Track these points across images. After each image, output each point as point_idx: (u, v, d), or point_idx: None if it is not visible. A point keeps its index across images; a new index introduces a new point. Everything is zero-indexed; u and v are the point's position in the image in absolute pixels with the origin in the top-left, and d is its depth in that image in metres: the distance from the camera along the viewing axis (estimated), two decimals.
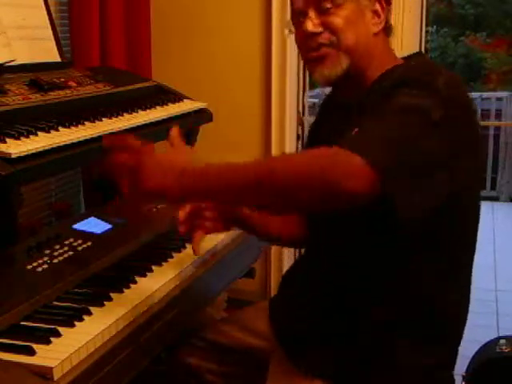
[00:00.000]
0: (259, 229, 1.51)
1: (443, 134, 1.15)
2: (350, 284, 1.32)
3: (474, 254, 1.36)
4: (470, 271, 1.37)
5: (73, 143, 1.45)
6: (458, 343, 1.39)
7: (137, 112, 1.77)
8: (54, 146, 1.40)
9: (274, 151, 2.75)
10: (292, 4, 1.38)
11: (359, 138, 1.15)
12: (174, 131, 1.26)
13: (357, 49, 1.32)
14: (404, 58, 1.39)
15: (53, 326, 1.17)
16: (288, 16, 2.60)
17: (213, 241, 1.62)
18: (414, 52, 1.45)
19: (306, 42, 1.35)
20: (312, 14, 1.32)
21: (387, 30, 1.37)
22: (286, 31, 2.58)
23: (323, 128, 1.49)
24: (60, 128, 1.49)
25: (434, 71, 1.26)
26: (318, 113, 1.61)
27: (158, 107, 1.87)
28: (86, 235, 1.57)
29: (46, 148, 1.38)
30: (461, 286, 1.36)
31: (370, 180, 1.06)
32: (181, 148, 1.24)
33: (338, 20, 1.31)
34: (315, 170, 1.09)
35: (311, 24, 1.32)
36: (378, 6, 1.33)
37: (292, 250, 2.78)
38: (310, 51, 1.34)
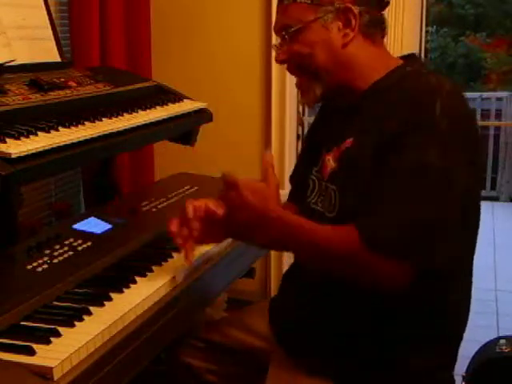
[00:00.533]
0: None
1: (456, 177, 1.19)
2: (347, 286, 1.31)
3: (473, 254, 1.36)
4: (471, 271, 1.37)
5: (73, 143, 1.45)
6: (459, 343, 1.39)
7: (137, 112, 1.77)
8: (54, 145, 1.40)
9: (274, 151, 2.76)
10: None
11: (385, 228, 1.17)
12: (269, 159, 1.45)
13: (326, 71, 1.32)
14: (401, 58, 1.38)
15: (53, 326, 1.17)
16: None
17: None
18: (408, 53, 1.42)
19: None
20: (280, 40, 1.34)
21: (368, 33, 1.32)
22: None
23: (321, 130, 1.50)
24: (60, 128, 1.49)
25: (431, 91, 1.22)
26: (317, 114, 1.61)
27: (158, 107, 1.87)
28: (86, 235, 1.57)
29: (46, 148, 1.38)
30: (461, 287, 1.36)
31: (409, 276, 1.18)
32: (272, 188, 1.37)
33: (295, 48, 1.32)
34: (348, 271, 1.22)
35: (276, 54, 1.37)
36: (348, 15, 1.29)
37: None
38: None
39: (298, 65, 1.35)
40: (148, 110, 1.82)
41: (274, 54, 1.40)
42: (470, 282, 1.37)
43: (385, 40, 1.39)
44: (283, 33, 1.33)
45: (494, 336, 2.40)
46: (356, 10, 1.29)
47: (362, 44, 1.32)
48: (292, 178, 1.64)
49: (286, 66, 1.40)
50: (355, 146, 1.30)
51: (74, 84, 1.78)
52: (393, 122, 1.21)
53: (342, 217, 1.28)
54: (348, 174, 1.30)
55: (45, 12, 1.92)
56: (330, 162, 1.37)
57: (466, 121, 1.25)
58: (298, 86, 1.39)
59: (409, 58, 1.38)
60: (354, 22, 1.29)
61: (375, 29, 1.33)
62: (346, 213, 1.27)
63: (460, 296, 1.36)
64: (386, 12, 1.39)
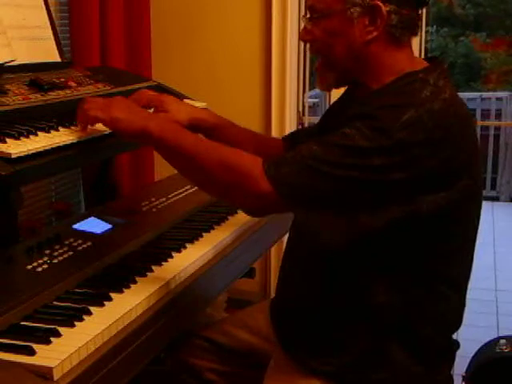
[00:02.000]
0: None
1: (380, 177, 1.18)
2: (349, 284, 1.32)
3: (471, 254, 1.36)
4: (469, 273, 1.37)
5: (73, 143, 1.45)
6: (455, 348, 1.39)
7: None
8: (54, 145, 1.39)
9: None
10: None
11: (281, 162, 1.23)
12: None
13: (342, 61, 1.31)
14: (426, 59, 1.36)
15: (53, 326, 1.16)
16: (289, 15, 2.61)
17: (213, 241, 1.62)
18: (434, 56, 1.40)
19: None
20: (306, 19, 1.33)
21: (394, 34, 1.28)
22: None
23: (336, 116, 1.47)
24: (60, 128, 1.49)
25: (409, 102, 1.20)
26: (340, 97, 1.60)
27: None
28: (86, 235, 1.57)
29: (46, 148, 1.38)
30: (460, 286, 1.36)
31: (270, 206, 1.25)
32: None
33: (318, 32, 1.31)
34: (226, 180, 1.26)
35: (303, 32, 1.35)
36: (375, 14, 1.25)
37: None
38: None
39: (317, 49, 1.35)
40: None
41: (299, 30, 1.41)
42: (467, 278, 1.37)
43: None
44: (310, 11, 1.32)
45: (494, 336, 2.40)
46: (385, 8, 1.25)
47: (384, 44, 1.29)
48: (286, 138, 1.67)
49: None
50: None
51: (74, 84, 1.78)
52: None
53: None
54: None
55: (45, 12, 1.92)
56: None
57: (425, 144, 1.18)
58: (316, 69, 1.38)
59: (431, 62, 1.34)
60: (379, 21, 1.26)
61: (403, 30, 1.29)
62: None
63: (457, 297, 1.36)
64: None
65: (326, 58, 1.33)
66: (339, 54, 1.30)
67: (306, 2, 1.36)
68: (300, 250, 1.44)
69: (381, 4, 1.25)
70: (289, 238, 1.51)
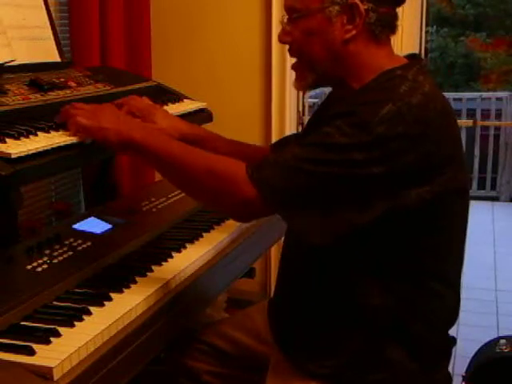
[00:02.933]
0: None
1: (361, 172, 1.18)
2: (341, 284, 1.31)
3: (461, 249, 1.36)
4: (460, 269, 1.38)
5: (73, 143, 1.45)
6: (451, 340, 1.39)
7: None
8: (54, 145, 1.39)
9: None
10: None
11: (264, 165, 1.24)
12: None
13: (321, 60, 1.30)
14: (406, 57, 1.36)
15: (53, 326, 1.17)
16: None
17: (213, 241, 1.62)
18: (411, 54, 1.40)
19: None
20: (286, 19, 1.33)
21: (373, 32, 1.28)
22: None
23: (319, 118, 1.48)
24: (60, 128, 1.49)
25: (387, 98, 1.20)
26: (320, 103, 1.60)
27: None
28: (85, 235, 1.57)
29: (46, 148, 1.37)
30: (451, 282, 1.36)
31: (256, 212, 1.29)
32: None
33: (296, 33, 1.31)
34: (212, 186, 1.28)
35: (281, 33, 1.35)
36: (354, 12, 1.25)
37: None
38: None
39: (296, 51, 1.34)
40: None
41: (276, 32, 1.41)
42: (459, 276, 1.38)
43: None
44: (289, 12, 1.32)
45: (494, 336, 2.40)
46: (363, 7, 1.25)
47: (363, 43, 1.29)
48: (274, 145, 1.68)
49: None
50: None
51: (74, 84, 1.78)
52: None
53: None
54: None
55: (45, 12, 1.92)
56: None
57: (404, 138, 1.19)
58: (294, 68, 1.38)
59: (410, 60, 1.34)
60: (358, 19, 1.26)
61: (383, 28, 1.29)
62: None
63: (453, 296, 1.36)
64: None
65: (306, 58, 1.33)
66: (319, 54, 1.30)
67: (284, 4, 1.34)
68: (293, 252, 1.44)
69: (358, 2, 1.25)
70: (284, 240, 1.51)
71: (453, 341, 1.41)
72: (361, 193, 1.20)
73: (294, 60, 1.38)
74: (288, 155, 1.23)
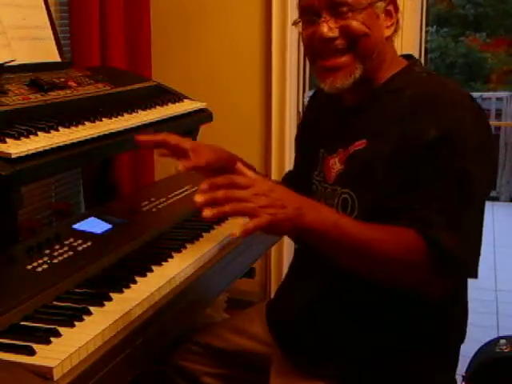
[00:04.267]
0: None
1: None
2: (351, 286, 1.31)
3: None
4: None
5: (73, 143, 1.45)
6: (460, 344, 1.39)
7: (137, 112, 1.77)
8: (54, 146, 1.40)
9: (274, 151, 2.76)
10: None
11: (451, 243, 1.15)
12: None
13: (371, 55, 1.29)
14: (403, 56, 1.38)
15: (53, 326, 1.16)
16: (289, 15, 2.60)
17: (213, 241, 1.62)
18: (406, 54, 1.41)
19: (318, 45, 1.29)
20: (327, 16, 1.27)
21: (396, 30, 1.33)
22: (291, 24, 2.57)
23: (317, 132, 1.47)
24: (60, 128, 1.49)
25: (457, 101, 1.22)
26: (307, 110, 1.59)
27: (158, 107, 1.87)
28: (86, 235, 1.57)
29: (46, 148, 1.38)
30: (459, 287, 1.36)
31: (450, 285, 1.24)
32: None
33: (354, 25, 1.26)
34: (407, 273, 1.18)
35: (327, 28, 1.27)
36: (390, 7, 1.30)
37: (293, 250, 2.78)
38: (325, 57, 1.30)
39: (344, 45, 1.28)
40: (148, 110, 1.82)
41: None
42: (466, 284, 1.37)
43: None
44: (341, 7, 1.26)
45: (494, 336, 2.40)
46: (395, 4, 1.31)
47: (390, 39, 1.33)
48: (285, 181, 1.63)
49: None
50: (369, 148, 1.28)
51: (74, 84, 1.78)
52: (422, 127, 1.20)
53: (360, 217, 1.27)
54: (362, 176, 1.28)
55: (45, 12, 1.92)
56: (336, 164, 1.35)
57: (487, 131, 1.26)
58: (340, 64, 1.29)
59: (410, 58, 1.38)
60: (393, 13, 1.31)
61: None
62: (367, 214, 1.25)
63: (458, 296, 1.36)
64: None
65: (358, 50, 1.28)
66: (374, 46, 1.29)
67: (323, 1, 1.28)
68: (314, 265, 1.38)
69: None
70: (300, 250, 1.50)
71: (460, 338, 1.41)
72: None
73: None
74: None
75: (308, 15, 1.31)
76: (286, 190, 1.17)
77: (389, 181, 1.22)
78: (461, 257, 1.17)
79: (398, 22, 1.32)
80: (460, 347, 1.39)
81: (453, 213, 1.17)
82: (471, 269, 1.21)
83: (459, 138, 1.19)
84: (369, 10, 1.27)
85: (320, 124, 1.48)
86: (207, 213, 1.07)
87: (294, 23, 1.37)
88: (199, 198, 1.08)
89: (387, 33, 1.31)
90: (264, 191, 1.10)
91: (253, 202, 1.08)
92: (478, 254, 1.21)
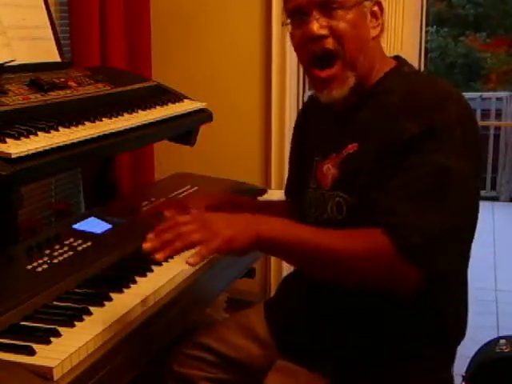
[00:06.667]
0: None
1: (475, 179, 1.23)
2: (339, 289, 1.31)
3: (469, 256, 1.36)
4: (466, 273, 1.37)
5: (73, 143, 1.45)
6: (458, 343, 1.39)
7: (137, 112, 1.77)
8: (54, 146, 1.40)
9: (274, 152, 2.76)
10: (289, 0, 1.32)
11: (414, 234, 1.15)
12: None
13: (358, 56, 1.28)
14: (392, 57, 1.38)
15: (53, 326, 1.16)
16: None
17: None
18: (395, 55, 1.41)
19: (308, 44, 1.29)
20: (317, 14, 1.27)
21: (383, 30, 1.33)
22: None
23: (310, 137, 1.48)
24: (60, 128, 1.49)
25: (443, 97, 1.23)
26: (301, 114, 1.59)
27: (157, 107, 1.87)
28: (86, 235, 1.57)
29: (46, 148, 1.38)
30: (459, 287, 1.36)
31: (420, 280, 1.17)
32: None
33: (343, 25, 1.26)
34: (372, 273, 1.18)
35: (317, 26, 1.27)
36: (376, 8, 1.30)
37: None
38: (318, 67, 1.30)
39: (333, 45, 1.27)
40: (148, 110, 1.82)
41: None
42: (466, 283, 1.37)
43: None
44: (331, 4, 1.26)
45: (494, 336, 2.40)
46: (381, 5, 1.31)
47: (377, 40, 1.32)
48: (288, 193, 1.63)
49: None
50: (360, 150, 1.29)
51: (74, 84, 1.78)
52: (406, 124, 1.20)
53: (350, 218, 1.28)
54: (353, 178, 1.29)
55: (45, 12, 1.92)
56: (331, 169, 1.35)
57: (474, 127, 1.25)
58: (332, 75, 1.29)
59: (398, 59, 1.38)
60: (379, 15, 1.31)
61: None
62: (355, 215, 1.26)
63: (458, 295, 1.36)
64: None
65: (347, 54, 1.28)
66: (358, 49, 1.28)
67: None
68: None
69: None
70: None
71: (460, 334, 1.40)
72: None
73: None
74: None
75: (296, 16, 1.30)
76: (226, 214, 1.22)
77: (374, 180, 1.23)
78: (419, 245, 1.15)
79: (383, 23, 1.32)
80: (458, 345, 1.39)
81: (421, 202, 1.17)
82: (435, 261, 1.17)
83: (443, 133, 1.19)
84: (357, 8, 1.27)
85: (313, 131, 1.48)
86: (159, 256, 1.14)
87: (284, 24, 1.35)
88: (146, 246, 1.15)
89: (373, 33, 1.30)
90: (206, 219, 1.18)
91: (199, 231, 1.14)
92: (447, 251, 1.18)
